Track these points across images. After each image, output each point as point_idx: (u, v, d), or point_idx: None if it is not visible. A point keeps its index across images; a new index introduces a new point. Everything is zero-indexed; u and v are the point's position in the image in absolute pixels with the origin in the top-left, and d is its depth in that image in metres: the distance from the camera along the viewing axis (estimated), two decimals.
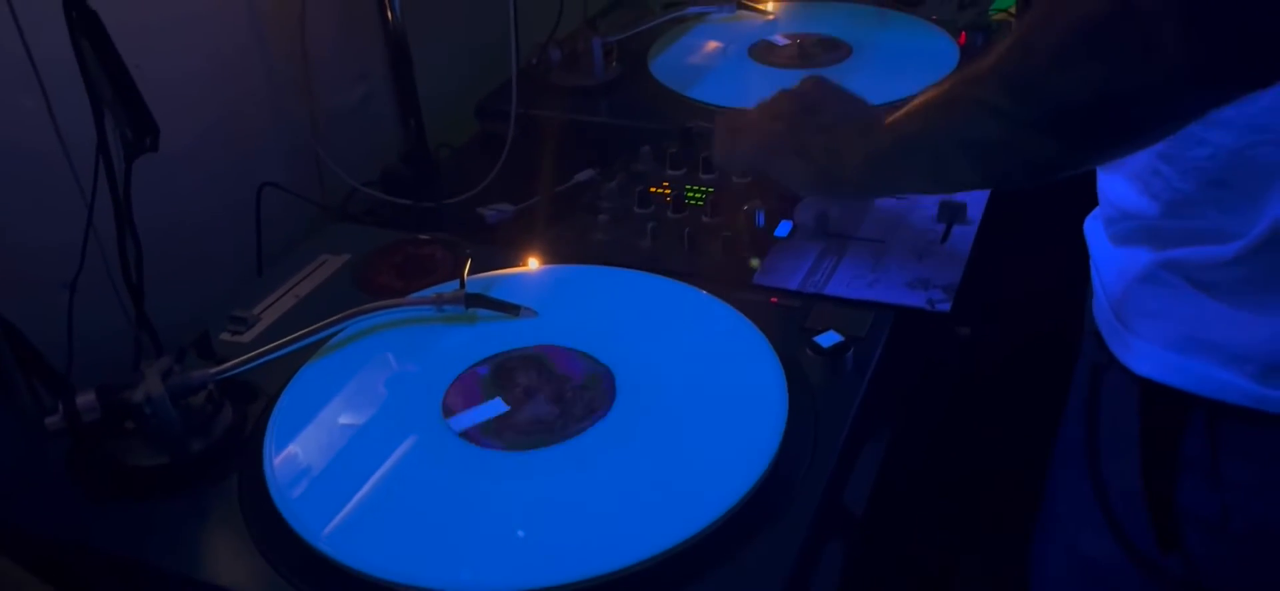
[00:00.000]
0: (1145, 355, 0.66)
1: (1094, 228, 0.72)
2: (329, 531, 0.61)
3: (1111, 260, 0.69)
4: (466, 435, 0.68)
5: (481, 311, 0.79)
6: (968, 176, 0.67)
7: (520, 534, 0.60)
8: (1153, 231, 0.64)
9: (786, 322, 0.77)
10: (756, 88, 1.15)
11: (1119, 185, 0.66)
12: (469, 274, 0.81)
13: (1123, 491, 0.69)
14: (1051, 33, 0.53)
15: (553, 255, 0.88)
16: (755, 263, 0.80)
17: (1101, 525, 0.71)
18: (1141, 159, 0.62)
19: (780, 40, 1.26)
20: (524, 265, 0.87)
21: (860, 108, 0.76)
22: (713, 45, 1.28)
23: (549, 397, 0.70)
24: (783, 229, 0.89)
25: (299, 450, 0.68)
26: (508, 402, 0.70)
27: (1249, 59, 0.46)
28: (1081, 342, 0.74)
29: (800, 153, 0.75)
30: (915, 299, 0.79)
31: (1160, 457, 0.66)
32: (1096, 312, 0.71)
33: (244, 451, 0.69)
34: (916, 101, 0.64)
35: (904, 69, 1.15)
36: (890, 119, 0.67)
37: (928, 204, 0.90)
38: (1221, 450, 0.63)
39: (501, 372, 0.73)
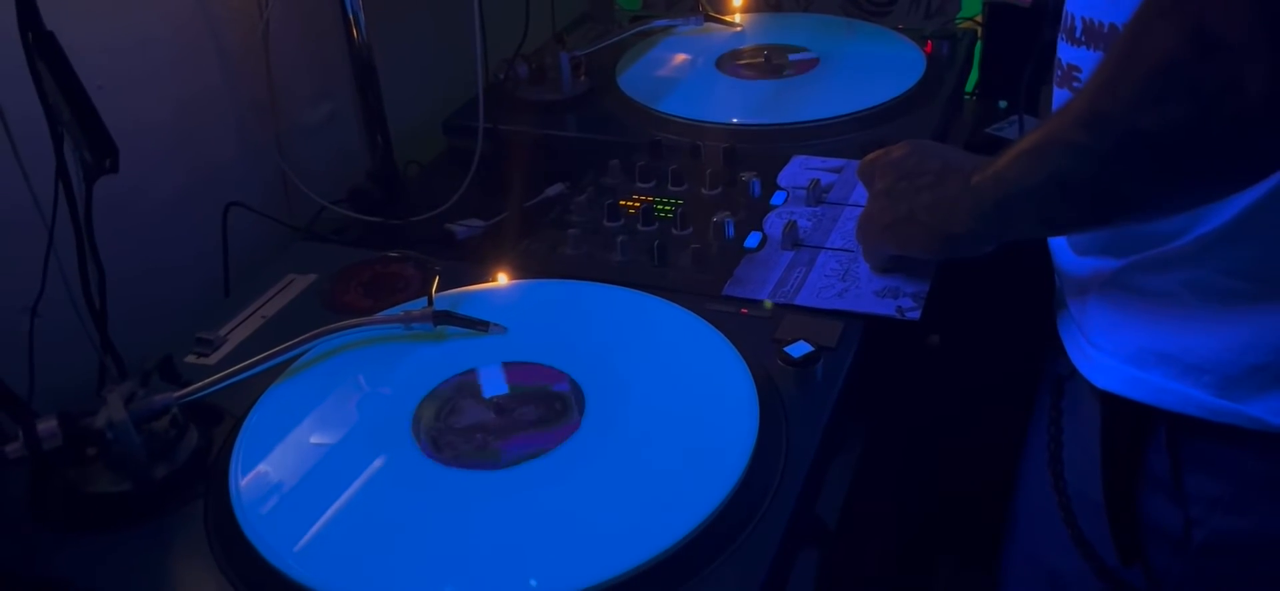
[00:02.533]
0: (1104, 368, 0.66)
1: (1057, 238, 0.72)
2: (298, 549, 0.60)
3: (1073, 270, 0.69)
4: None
5: (451, 328, 0.78)
6: (1072, 218, 0.65)
7: (533, 585, 0.58)
8: (1110, 241, 0.64)
9: (757, 333, 0.77)
10: (724, 100, 1.16)
11: None
12: (438, 290, 0.81)
13: (1085, 503, 0.69)
14: (1133, 72, 0.52)
15: (522, 270, 0.88)
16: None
17: (1065, 537, 0.71)
18: None
19: (744, 57, 1.27)
20: (493, 281, 0.87)
21: (957, 160, 0.75)
22: (681, 58, 1.28)
23: (523, 411, 0.70)
24: (752, 240, 0.89)
25: (266, 472, 0.67)
26: (487, 426, 0.69)
27: None
28: (1046, 353, 0.74)
29: (911, 220, 0.76)
30: (885, 308, 0.79)
31: (1122, 470, 0.67)
32: (1059, 324, 0.71)
33: (210, 475, 0.68)
34: (1015, 147, 0.63)
35: (871, 78, 1.15)
36: (990, 168, 0.66)
37: None
38: (1183, 464, 0.64)
39: (449, 408, 0.72)
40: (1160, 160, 0.53)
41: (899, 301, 0.79)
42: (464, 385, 0.73)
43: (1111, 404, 0.66)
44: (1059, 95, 0.73)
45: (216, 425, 0.73)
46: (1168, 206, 0.58)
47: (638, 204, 0.95)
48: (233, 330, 0.84)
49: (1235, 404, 0.60)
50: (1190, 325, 0.61)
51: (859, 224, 0.85)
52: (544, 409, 0.70)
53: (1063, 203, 0.61)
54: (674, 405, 0.70)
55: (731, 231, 0.90)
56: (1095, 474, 0.68)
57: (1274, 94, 0.45)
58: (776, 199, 0.95)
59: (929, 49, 1.23)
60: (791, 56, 1.24)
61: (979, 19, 1.29)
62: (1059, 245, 0.72)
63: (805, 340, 0.74)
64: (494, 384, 0.73)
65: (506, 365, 0.75)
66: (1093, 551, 0.69)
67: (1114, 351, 0.65)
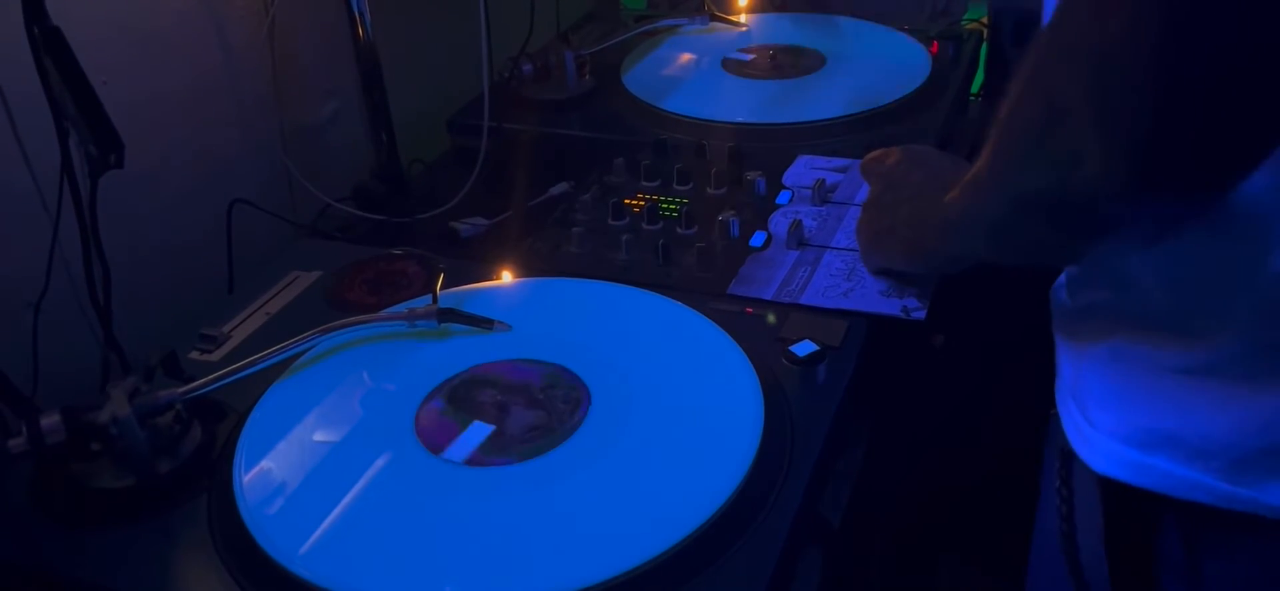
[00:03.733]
0: (1104, 451, 0.60)
1: (1058, 298, 0.67)
2: (302, 550, 0.60)
3: (1072, 334, 0.65)
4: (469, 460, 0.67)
5: (455, 326, 0.78)
6: (1006, 256, 0.64)
7: None
8: (1120, 313, 0.60)
9: (762, 332, 0.76)
10: (729, 99, 1.16)
11: (1094, 263, 0.62)
12: (442, 288, 0.81)
13: (1102, 587, 0.64)
14: (1011, 138, 0.52)
15: (527, 268, 0.88)
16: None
17: None
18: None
19: (749, 55, 1.26)
20: (498, 279, 0.87)
21: (942, 173, 0.74)
22: (686, 57, 1.28)
23: (527, 408, 0.70)
24: (757, 239, 0.89)
25: (270, 469, 0.67)
26: (489, 423, 0.69)
27: (1164, 173, 0.45)
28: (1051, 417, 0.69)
29: (892, 233, 0.77)
30: (890, 307, 0.79)
31: (1132, 558, 0.62)
32: (1058, 396, 0.66)
33: (213, 472, 0.68)
34: (964, 177, 0.63)
35: (877, 78, 1.15)
36: (957, 188, 0.65)
37: None
38: (1201, 551, 0.58)
39: (459, 399, 0.72)
40: (1048, 214, 0.53)
41: (904, 301, 0.79)
42: (467, 382, 0.73)
43: (1114, 489, 0.60)
44: None
45: (220, 421, 0.73)
46: (1075, 255, 0.58)
47: (642, 203, 0.95)
48: (236, 326, 0.84)
49: (1249, 490, 0.54)
50: (1199, 403, 0.56)
51: (855, 232, 0.85)
52: (546, 410, 0.70)
53: (992, 240, 0.62)
54: (679, 403, 0.70)
55: (736, 230, 0.89)
56: (1104, 558, 0.63)
57: (1108, 166, 0.45)
58: (782, 198, 0.95)
59: (935, 49, 1.22)
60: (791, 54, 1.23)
61: (985, 20, 1.29)
62: (1060, 301, 0.67)
63: (810, 339, 0.74)
64: (498, 381, 0.73)
65: (511, 363, 0.75)
66: None
67: (1113, 431, 0.60)
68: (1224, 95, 0.42)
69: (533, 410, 0.70)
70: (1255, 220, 0.51)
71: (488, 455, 0.66)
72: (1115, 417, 0.60)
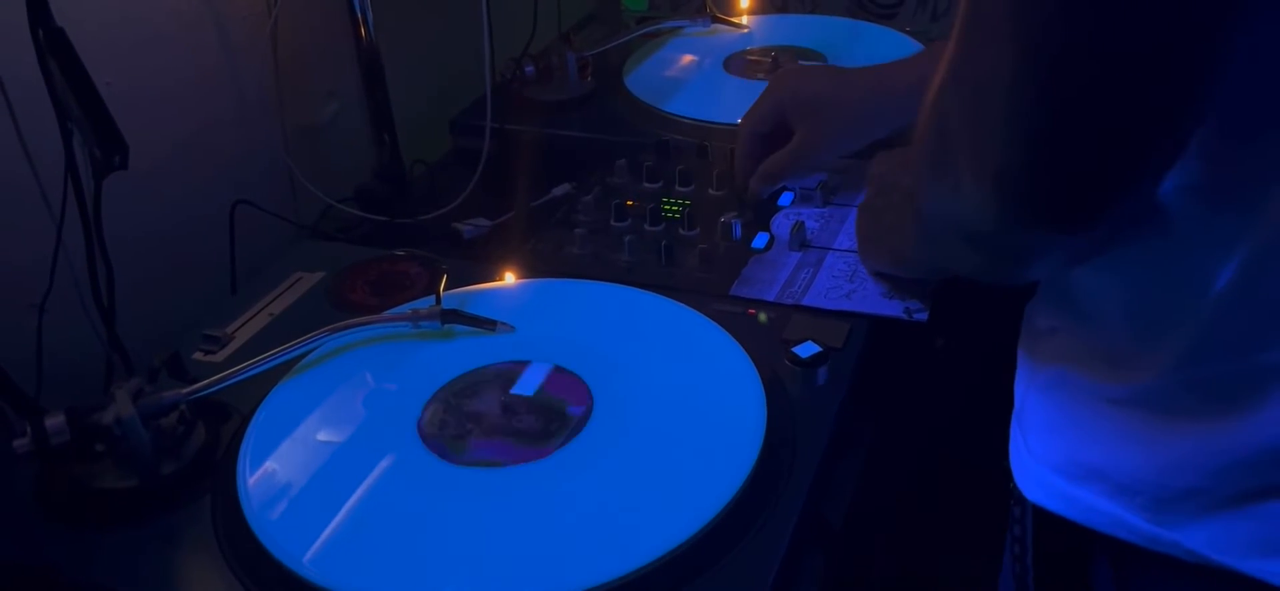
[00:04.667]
0: (1038, 479, 0.60)
1: (1030, 316, 0.66)
2: (307, 551, 0.60)
3: (1027, 357, 0.64)
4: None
5: (458, 327, 0.78)
6: (959, 265, 0.63)
7: None
8: (1065, 336, 0.59)
9: (764, 333, 0.77)
10: (731, 100, 1.16)
11: (1055, 283, 0.61)
12: (445, 289, 0.81)
13: None
14: (918, 154, 0.52)
15: (529, 269, 0.88)
16: (763, 317, 0.80)
17: None
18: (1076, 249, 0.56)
19: (753, 56, 1.27)
20: (500, 280, 0.87)
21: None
22: (687, 58, 1.28)
23: (529, 411, 0.70)
24: (759, 240, 0.89)
25: (274, 469, 0.67)
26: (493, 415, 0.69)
27: (1033, 207, 0.44)
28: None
29: (878, 240, 0.77)
30: (892, 309, 0.79)
31: (1060, 583, 0.61)
32: (1012, 422, 0.65)
33: (217, 472, 0.68)
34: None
35: None
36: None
37: None
38: (1131, 587, 0.58)
39: (457, 407, 0.72)
40: (962, 235, 0.52)
41: (907, 303, 0.79)
42: (473, 383, 0.73)
43: (1046, 518, 0.59)
44: None
45: (224, 422, 0.73)
46: (999, 275, 0.56)
47: (645, 204, 0.95)
48: (240, 328, 0.84)
49: (1170, 532, 0.53)
50: (1126, 438, 0.54)
51: (857, 232, 0.86)
52: (550, 406, 0.70)
53: (938, 252, 0.63)
54: (681, 404, 0.70)
55: (738, 232, 0.90)
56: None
57: (980, 197, 0.45)
58: (784, 200, 0.95)
59: None
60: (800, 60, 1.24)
61: None
62: (1028, 324, 0.65)
63: (813, 340, 0.74)
64: (482, 390, 0.73)
65: (515, 363, 0.75)
66: None
67: (1047, 460, 0.59)
68: (1088, 131, 0.41)
69: (533, 415, 0.70)
70: (1188, 259, 0.50)
71: (489, 453, 0.66)
72: (1050, 446, 0.59)
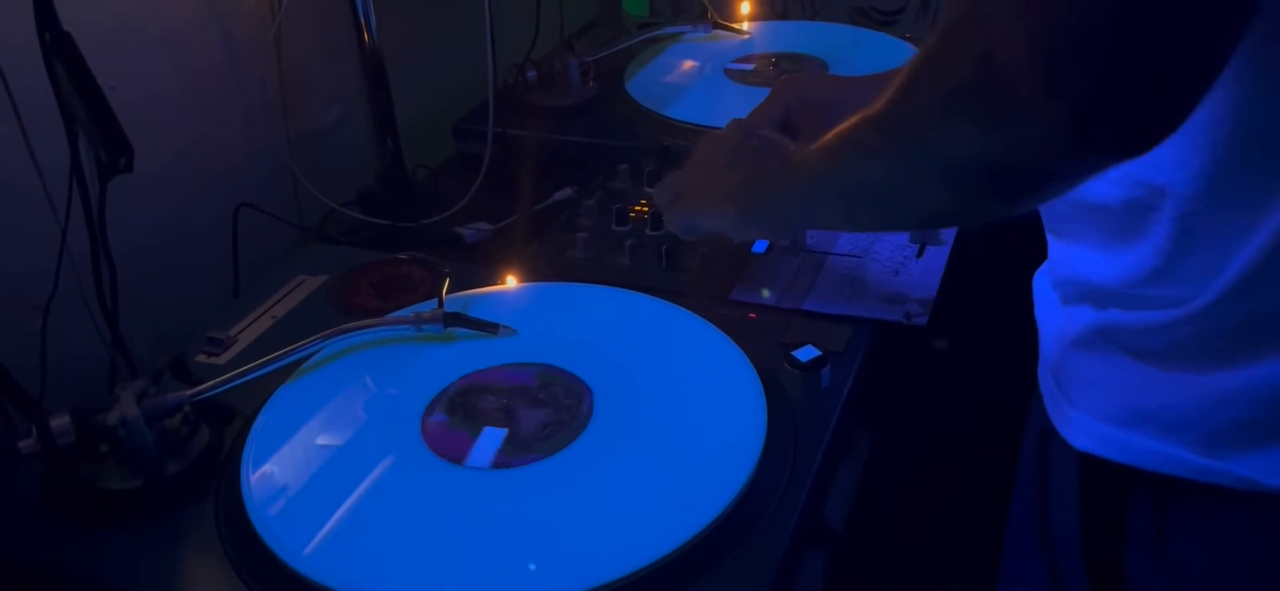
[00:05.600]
0: (1084, 427, 0.62)
1: (1041, 285, 0.69)
2: (309, 551, 0.61)
3: (1053, 322, 0.66)
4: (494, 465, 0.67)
5: (460, 330, 0.79)
6: (869, 219, 0.65)
7: (532, 567, 0.59)
8: (1104, 295, 0.61)
9: (764, 337, 0.77)
10: (732, 105, 1.16)
11: (1081, 253, 0.63)
12: (447, 293, 0.81)
13: (1071, 564, 0.67)
14: (930, 89, 0.51)
15: (531, 273, 0.88)
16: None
17: None
18: (1104, 226, 0.59)
19: (750, 65, 1.27)
20: (502, 284, 0.87)
21: (780, 143, 0.74)
22: (689, 64, 1.29)
23: (531, 413, 0.70)
24: (760, 245, 0.89)
25: (276, 471, 0.67)
26: (500, 427, 0.70)
27: (1109, 128, 0.44)
28: (1031, 403, 0.71)
29: (723, 195, 0.74)
30: (892, 313, 0.79)
31: (1104, 534, 0.63)
32: (1040, 378, 0.68)
33: (221, 473, 0.69)
34: (828, 135, 0.61)
35: None
36: (803, 153, 0.65)
37: None
38: (1169, 529, 0.60)
39: (461, 408, 0.72)
40: (947, 174, 0.52)
41: (907, 307, 0.80)
42: (450, 406, 0.74)
43: (1091, 465, 0.62)
44: None
45: (227, 423, 0.73)
46: (966, 220, 0.57)
47: (646, 208, 0.96)
48: (243, 330, 0.84)
49: (1222, 462, 0.56)
50: (1173, 382, 0.58)
51: (667, 191, 0.81)
52: (551, 410, 0.70)
53: (863, 201, 0.61)
54: (682, 408, 0.71)
55: None
56: (1078, 536, 0.65)
57: (1047, 124, 0.44)
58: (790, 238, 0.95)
59: None
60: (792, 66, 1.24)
61: None
62: (1042, 295, 0.69)
63: (813, 344, 0.74)
64: (500, 387, 0.73)
65: (513, 366, 0.75)
66: None
67: (1092, 410, 0.62)
68: (1173, 45, 0.42)
69: (537, 414, 0.70)
70: (1221, 212, 0.53)
71: (505, 458, 0.67)
72: (1094, 397, 0.62)
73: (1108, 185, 0.57)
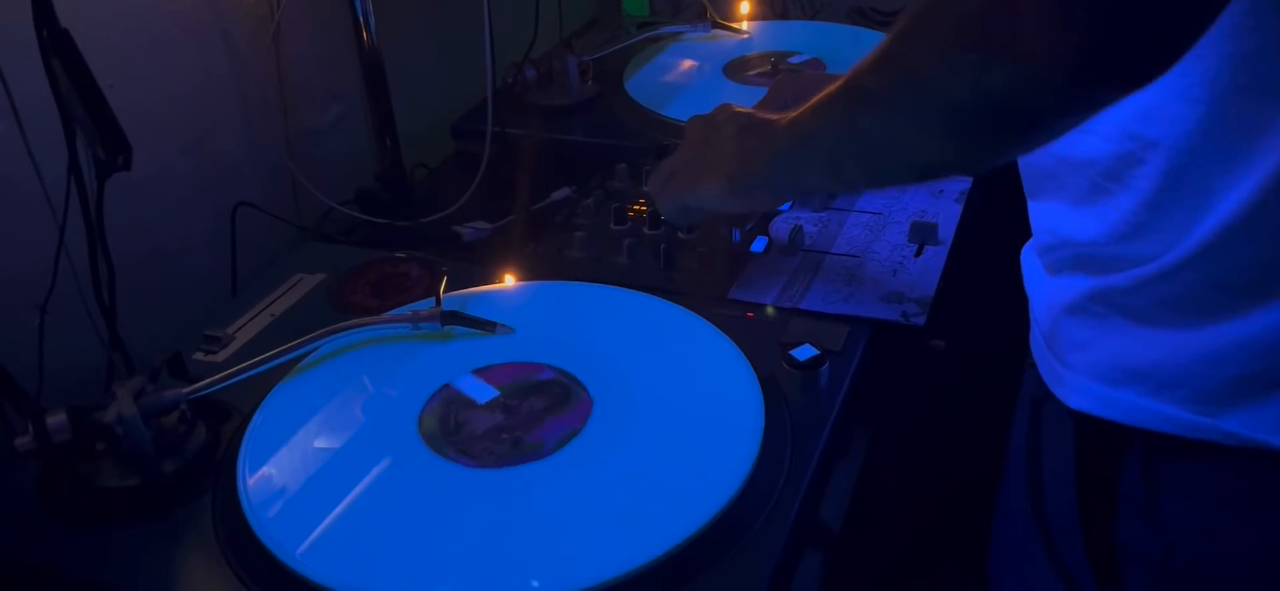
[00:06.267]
0: (1077, 388, 0.64)
1: (1029, 258, 0.70)
2: (303, 550, 0.61)
3: (1044, 291, 0.68)
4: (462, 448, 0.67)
5: (458, 329, 0.79)
6: (858, 175, 0.66)
7: (535, 585, 0.58)
8: (1089, 258, 0.62)
9: (762, 337, 0.77)
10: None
11: (1060, 212, 0.64)
12: (445, 291, 0.81)
13: (1064, 527, 0.68)
14: (935, 23, 0.51)
15: (529, 272, 0.88)
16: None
17: (1045, 562, 0.69)
18: (1087, 182, 0.61)
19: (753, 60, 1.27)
20: (501, 282, 0.87)
21: (767, 117, 0.73)
22: (688, 64, 1.29)
23: (531, 412, 0.70)
24: (758, 245, 0.89)
25: (273, 469, 0.67)
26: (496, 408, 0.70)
27: (1117, 60, 0.45)
28: (1023, 375, 0.72)
29: (713, 168, 0.74)
30: (890, 313, 0.79)
31: (1097, 493, 0.65)
32: (1032, 345, 0.70)
33: (217, 471, 0.69)
34: (817, 96, 0.62)
35: None
36: (791, 116, 0.66)
37: (900, 221, 0.91)
38: (1159, 487, 0.62)
39: (456, 407, 0.72)
40: (943, 115, 0.52)
41: (904, 307, 0.80)
42: (475, 383, 0.74)
43: (1085, 424, 0.64)
44: None
45: (224, 422, 0.73)
46: (962, 167, 0.57)
47: (644, 207, 0.96)
48: (241, 328, 0.84)
49: (1211, 419, 0.58)
50: (1164, 340, 0.59)
51: (659, 178, 0.81)
52: (548, 399, 0.70)
53: (853, 156, 0.61)
54: (679, 407, 0.71)
55: (737, 236, 0.90)
56: (1071, 497, 0.66)
57: (1056, 56, 0.45)
58: (783, 204, 0.95)
59: None
60: (793, 61, 1.24)
61: None
62: (1031, 265, 0.70)
63: (810, 344, 0.74)
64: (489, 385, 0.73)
65: (511, 365, 0.75)
66: (1071, 576, 0.68)
67: (1085, 370, 0.63)
68: None
69: (534, 412, 0.70)
70: (1208, 165, 0.54)
71: (484, 454, 0.67)
72: (1087, 358, 0.63)
73: (1098, 139, 0.58)
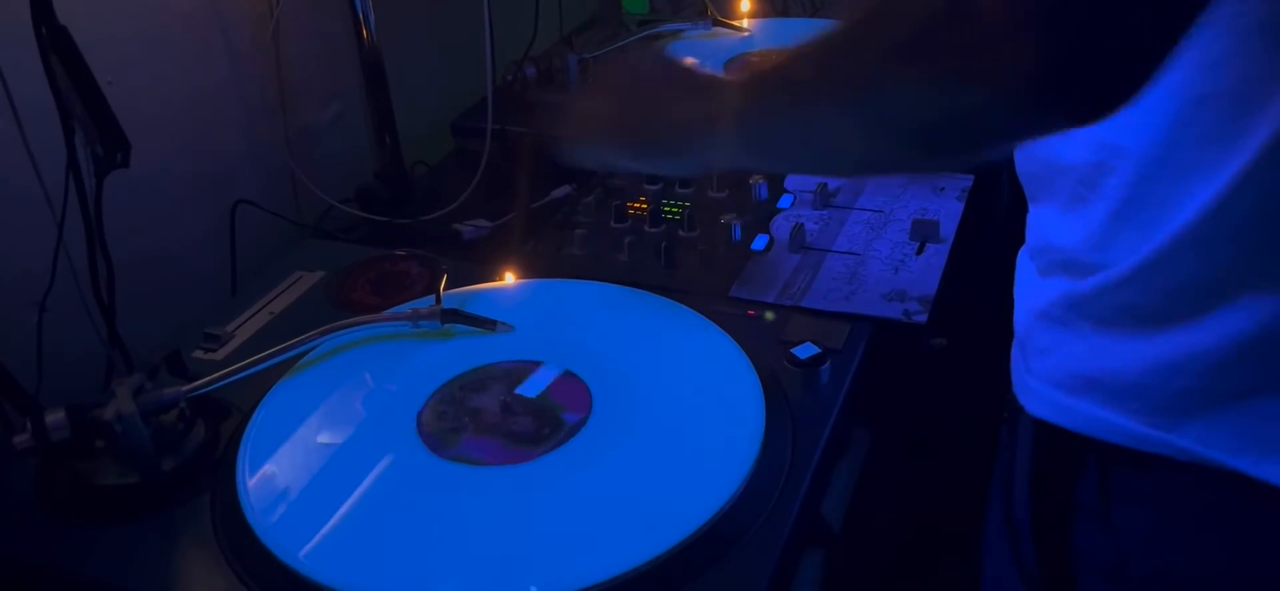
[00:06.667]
0: (1038, 395, 0.63)
1: (1023, 261, 0.69)
2: (302, 549, 0.60)
3: (1027, 295, 0.66)
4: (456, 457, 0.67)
5: (458, 327, 0.78)
6: (784, 164, 0.65)
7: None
8: (1069, 264, 0.61)
9: (763, 334, 0.77)
10: None
11: (1050, 216, 0.63)
12: (445, 289, 0.81)
13: (1027, 533, 0.67)
14: (883, 32, 0.49)
15: (529, 270, 0.88)
16: (770, 315, 0.80)
17: (1012, 566, 0.69)
18: (1069, 188, 0.60)
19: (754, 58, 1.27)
20: (501, 280, 0.87)
21: (693, 70, 0.70)
22: (688, 61, 1.28)
23: (527, 413, 0.70)
24: (759, 242, 0.89)
25: (273, 468, 0.67)
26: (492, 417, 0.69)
27: (1071, 91, 0.43)
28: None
29: (628, 126, 0.70)
30: (891, 311, 0.79)
31: (1053, 501, 0.64)
32: (1012, 351, 0.69)
33: (217, 469, 0.68)
34: (753, 71, 0.60)
35: None
36: (718, 86, 0.63)
37: (901, 219, 0.91)
38: (1113, 497, 0.61)
39: (457, 405, 0.72)
40: (885, 122, 0.51)
41: (906, 305, 0.80)
42: (474, 381, 0.73)
43: (1043, 432, 0.63)
44: None
45: (224, 419, 0.73)
46: (888, 166, 0.58)
47: (645, 205, 0.96)
48: (240, 326, 0.84)
49: (1164, 432, 0.56)
50: (1119, 350, 0.58)
51: (567, 110, 0.76)
52: (548, 408, 0.70)
53: (780, 142, 0.59)
54: (680, 405, 0.70)
55: (738, 234, 0.90)
56: (1027, 500, 0.66)
57: (1017, 78, 0.43)
58: (783, 202, 0.95)
59: None
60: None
61: None
62: (1024, 270, 0.68)
63: (811, 342, 0.74)
64: (479, 391, 0.73)
65: (509, 363, 0.75)
66: (1034, 581, 0.67)
67: (1047, 377, 0.62)
68: (1145, 10, 0.42)
69: (534, 411, 0.70)
70: (1169, 174, 0.53)
71: (488, 452, 0.67)
72: (1049, 365, 0.62)
73: (1078, 146, 0.57)
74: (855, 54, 0.51)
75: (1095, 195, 0.57)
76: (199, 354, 0.81)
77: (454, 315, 0.78)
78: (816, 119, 0.55)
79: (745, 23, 1.37)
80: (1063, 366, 0.61)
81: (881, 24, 0.49)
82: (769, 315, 0.79)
